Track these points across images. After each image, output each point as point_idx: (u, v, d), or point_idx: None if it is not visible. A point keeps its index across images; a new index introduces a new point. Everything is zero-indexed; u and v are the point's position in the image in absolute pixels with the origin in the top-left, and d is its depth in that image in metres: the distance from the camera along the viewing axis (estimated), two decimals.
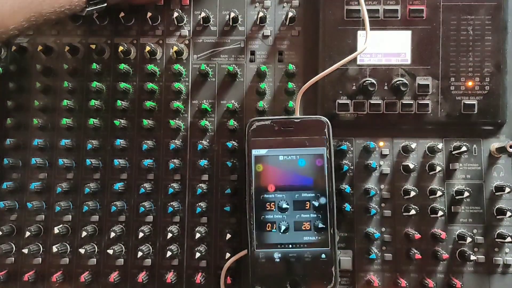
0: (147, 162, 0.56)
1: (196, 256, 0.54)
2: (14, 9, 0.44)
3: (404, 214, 0.55)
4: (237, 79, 0.58)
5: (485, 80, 0.55)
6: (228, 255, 0.54)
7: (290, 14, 0.56)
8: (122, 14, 0.57)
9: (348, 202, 0.55)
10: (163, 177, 0.57)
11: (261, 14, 0.57)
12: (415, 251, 0.54)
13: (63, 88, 0.56)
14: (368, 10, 0.54)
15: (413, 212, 0.54)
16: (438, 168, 0.54)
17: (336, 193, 0.51)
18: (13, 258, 0.56)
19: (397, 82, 0.54)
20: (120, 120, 0.56)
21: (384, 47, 0.55)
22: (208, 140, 0.57)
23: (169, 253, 0.54)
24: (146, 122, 0.56)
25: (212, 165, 0.57)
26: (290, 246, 0.50)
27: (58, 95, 0.58)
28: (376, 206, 0.55)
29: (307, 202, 0.50)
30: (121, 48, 0.56)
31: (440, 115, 0.55)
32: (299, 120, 0.51)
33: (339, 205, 0.54)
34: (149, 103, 0.56)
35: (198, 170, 0.57)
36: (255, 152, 0.51)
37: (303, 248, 0.50)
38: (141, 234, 0.54)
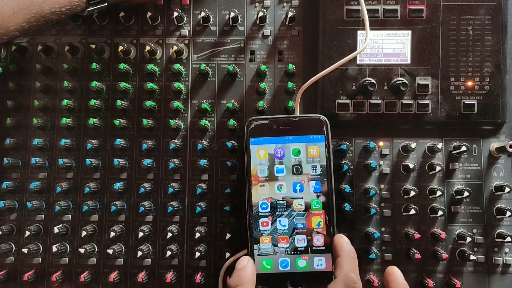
0: (147, 161, 0.56)
1: (196, 256, 0.54)
2: (14, 10, 0.44)
3: (404, 213, 0.55)
4: (237, 79, 0.58)
5: (484, 80, 0.55)
6: (228, 254, 0.54)
7: (290, 14, 0.56)
8: (122, 14, 0.57)
9: (348, 202, 0.55)
10: (163, 177, 0.57)
11: (261, 14, 0.57)
12: (415, 250, 0.54)
13: (63, 88, 0.56)
14: (368, 10, 0.53)
15: (412, 211, 0.54)
16: (438, 168, 0.54)
17: (336, 193, 0.51)
18: (13, 258, 0.56)
19: (397, 82, 0.54)
20: (120, 120, 0.56)
21: (384, 47, 0.55)
22: (208, 140, 0.57)
23: (169, 253, 0.54)
24: (146, 121, 0.56)
25: (212, 165, 0.57)
26: (291, 245, 0.50)
27: (58, 95, 0.58)
28: (376, 206, 0.55)
29: (306, 201, 0.50)
30: (121, 48, 0.56)
31: (440, 115, 0.55)
32: (297, 119, 0.51)
33: (339, 205, 0.54)
34: (149, 103, 0.56)
35: (198, 170, 0.57)
36: (254, 151, 0.51)
37: (303, 246, 0.50)
38: (141, 234, 0.54)
